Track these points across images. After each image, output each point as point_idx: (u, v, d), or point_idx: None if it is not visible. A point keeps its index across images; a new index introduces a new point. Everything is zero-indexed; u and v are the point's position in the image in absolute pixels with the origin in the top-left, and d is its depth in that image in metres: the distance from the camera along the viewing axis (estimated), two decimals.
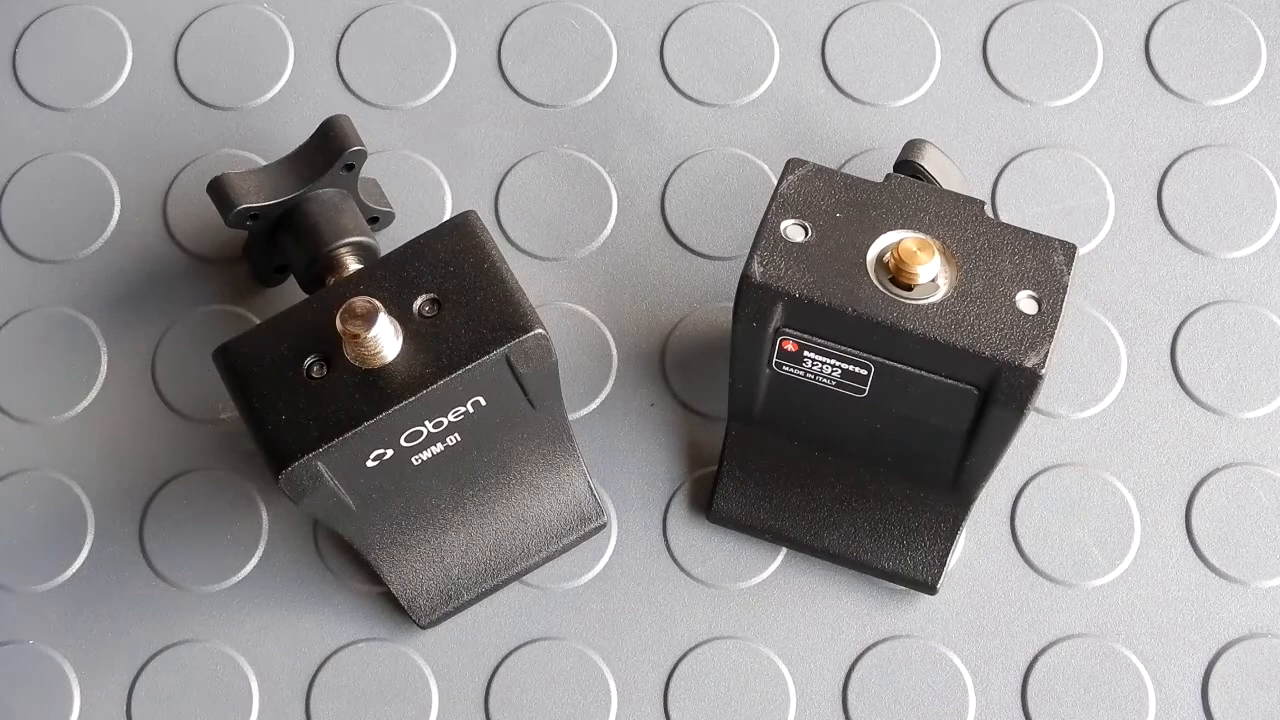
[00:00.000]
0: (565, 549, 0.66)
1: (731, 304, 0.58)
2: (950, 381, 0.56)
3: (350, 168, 0.65)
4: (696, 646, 0.65)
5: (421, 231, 0.59)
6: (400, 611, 0.65)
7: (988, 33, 0.76)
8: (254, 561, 0.66)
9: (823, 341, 0.57)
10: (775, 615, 0.65)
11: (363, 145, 0.65)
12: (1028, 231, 0.57)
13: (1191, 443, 0.67)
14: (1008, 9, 0.76)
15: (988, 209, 0.60)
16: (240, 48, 0.76)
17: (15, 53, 0.76)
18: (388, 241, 0.65)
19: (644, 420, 0.68)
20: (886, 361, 0.57)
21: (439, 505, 0.63)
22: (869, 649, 0.64)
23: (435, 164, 0.73)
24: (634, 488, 0.67)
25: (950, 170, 0.65)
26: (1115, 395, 0.68)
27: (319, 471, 0.56)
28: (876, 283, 0.56)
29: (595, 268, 0.71)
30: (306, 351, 0.57)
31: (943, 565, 0.64)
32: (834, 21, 0.76)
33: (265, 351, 0.57)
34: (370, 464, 0.58)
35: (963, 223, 0.57)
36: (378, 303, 0.54)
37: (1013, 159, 0.73)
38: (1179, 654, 0.64)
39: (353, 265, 0.64)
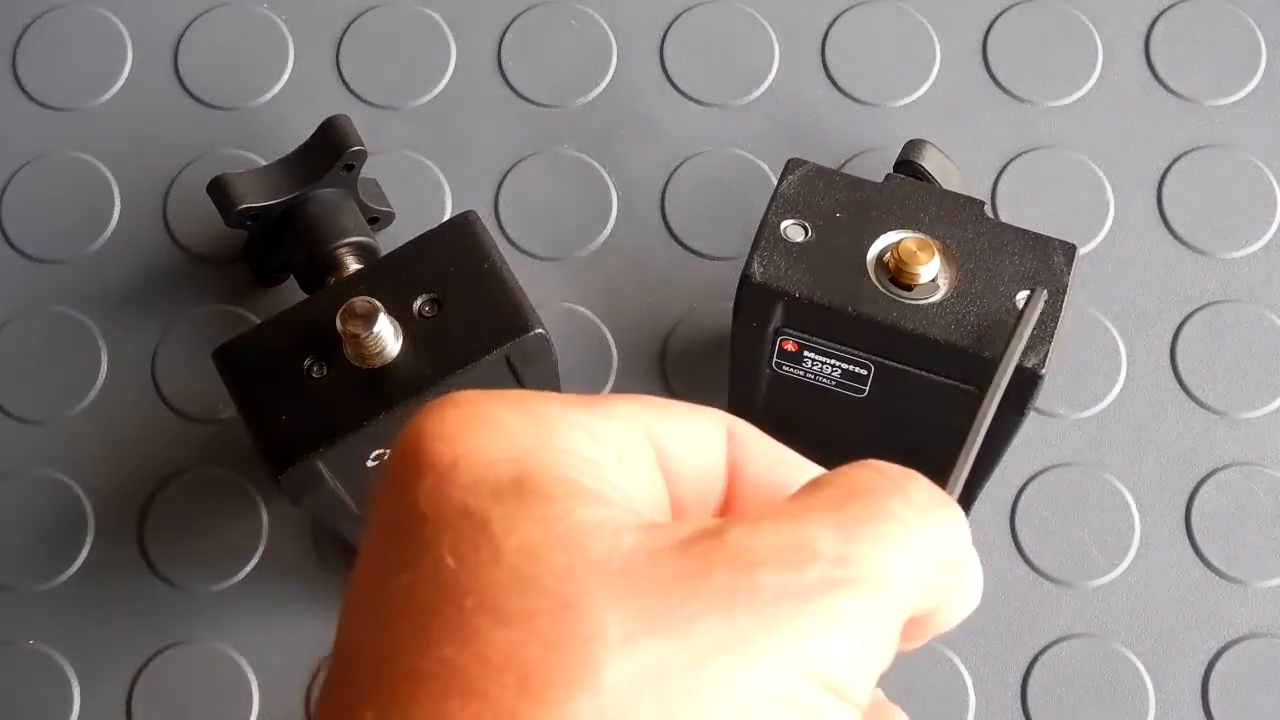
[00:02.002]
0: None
1: (731, 304, 0.58)
2: (950, 381, 0.56)
3: (350, 168, 0.65)
4: None
5: (421, 231, 0.59)
6: None
7: (988, 33, 0.76)
8: (254, 561, 0.66)
9: (823, 341, 0.57)
10: None
11: (363, 145, 0.65)
12: (1028, 231, 0.57)
13: (1191, 443, 0.67)
14: (1008, 9, 0.76)
15: (988, 209, 0.60)
16: (240, 48, 0.76)
17: (15, 53, 0.76)
18: (388, 241, 0.65)
19: None
20: (886, 361, 0.57)
21: None
22: None
23: (435, 164, 0.73)
24: None
25: (950, 170, 0.65)
26: (1115, 395, 0.68)
27: (319, 471, 0.56)
28: (876, 283, 0.56)
29: (595, 268, 0.71)
30: (306, 351, 0.57)
31: None
32: (834, 21, 0.76)
33: (265, 351, 0.57)
34: (370, 464, 0.58)
35: (963, 223, 0.57)
36: (378, 303, 0.54)
37: (1013, 159, 0.73)
38: (1179, 654, 0.64)
39: (353, 265, 0.64)
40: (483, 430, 0.30)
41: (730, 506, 0.34)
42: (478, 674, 0.26)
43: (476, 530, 0.28)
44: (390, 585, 0.29)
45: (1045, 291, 0.53)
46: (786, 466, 0.35)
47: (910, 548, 0.30)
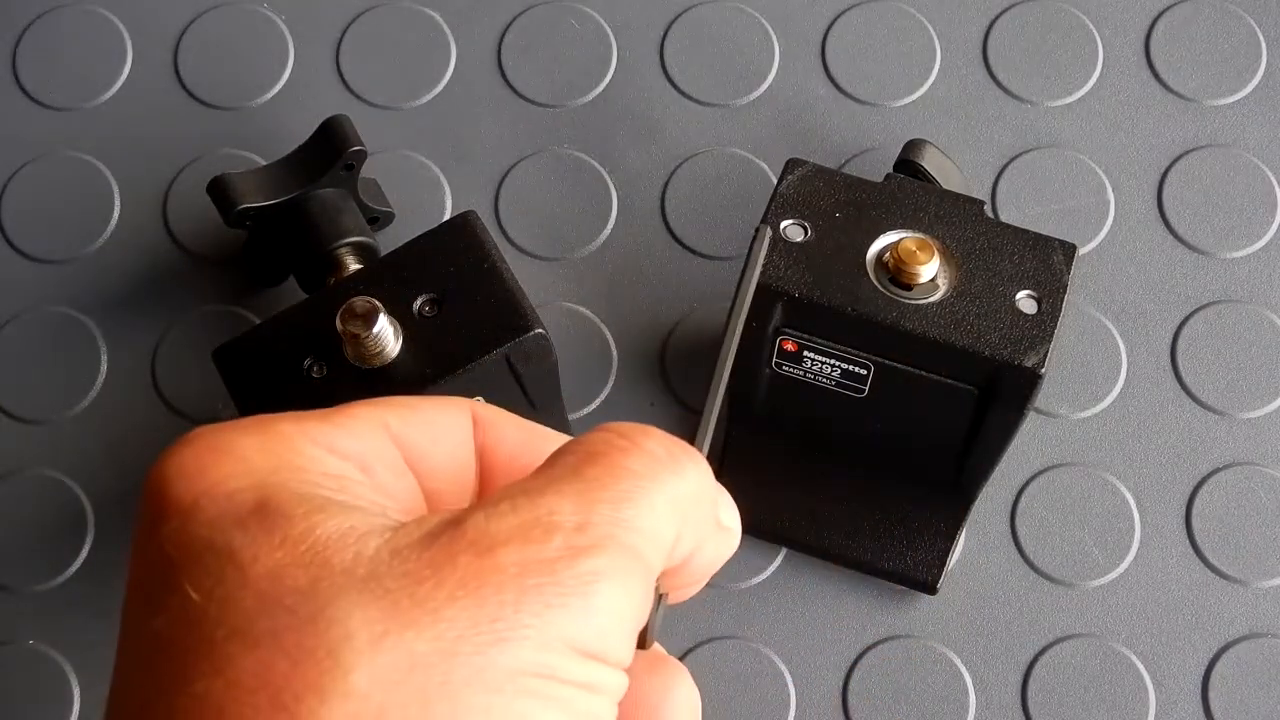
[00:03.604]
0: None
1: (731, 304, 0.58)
2: (950, 381, 0.56)
3: (350, 168, 0.65)
4: (697, 646, 0.65)
5: (421, 231, 0.59)
6: None
7: (988, 33, 0.76)
8: None
9: (823, 341, 0.57)
10: (775, 615, 0.65)
11: (363, 145, 0.65)
12: (1028, 231, 0.57)
13: (1191, 443, 0.67)
14: (1008, 9, 0.76)
15: (988, 209, 0.60)
16: (240, 48, 0.76)
17: (15, 53, 0.76)
18: (388, 241, 0.65)
19: (644, 420, 0.68)
20: (886, 361, 0.57)
21: None
22: (869, 649, 0.64)
23: (435, 164, 0.73)
24: None
25: (950, 170, 0.65)
26: (1115, 395, 0.68)
27: None
28: (876, 282, 0.56)
29: (595, 268, 0.71)
30: (306, 351, 0.57)
31: (943, 565, 0.64)
32: (834, 21, 0.76)
33: (265, 351, 0.57)
34: None
35: (963, 222, 0.57)
36: (378, 303, 0.54)
37: (1013, 159, 0.73)
38: (1179, 654, 0.64)
39: (353, 265, 0.64)
40: (221, 463, 0.30)
41: (486, 491, 0.35)
42: (230, 700, 0.27)
43: (224, 563, 0.28)
44: (146, 630, 0.29)
45: (769, 229, 0.52)
46: (536, 442, 0.35)
47: (650, 501, 0.30)
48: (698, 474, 0.32)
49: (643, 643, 0.33)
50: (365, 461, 0.32)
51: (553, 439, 0.36)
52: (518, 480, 0.31)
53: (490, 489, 0.35)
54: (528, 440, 0.36)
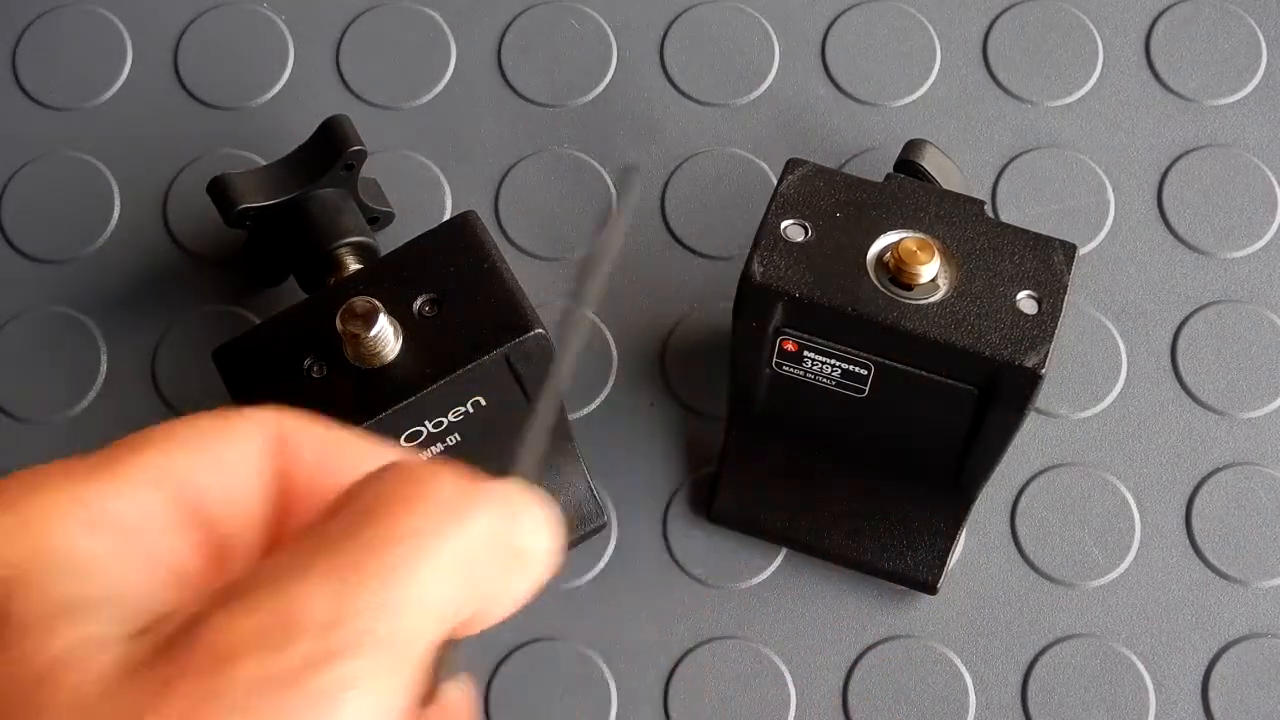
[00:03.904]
0: (565, 549, 0.66)
1: (731, 304, 0.58)
2: (950, 381, 0.56)
3: (350, 168, 0.65)
4: (696, 646, 0.65)
5: (421, 231, 0.59)
6: None
7: (988, 33, 0.76)
8: None
9: (823, 341, 0.57)
10: (775, 615, 0.65)
11: (363, 145, 0.65)
12: (1028, 231, 0.57)
13: (1191, 443, 0.67)
14: (1008, 9, 0.76)
15: (988, 209, 0.60)
16: (240, 48, 0.76)
17: (15, 53, 0.76)
18: (388, 241, 0.65)
19: (644, 420, 0.68)
20: (886, 361, 0.57)
21: None
22: (869, 649, 0.64)
23: (435, 164, 0.73)
24: (634, 488, 0.67)
25: (950, 170, 0.65)
26: (1115, 395, 0.68)
27: None
28: (876, 282, 0.56)
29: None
30: (306, 351, 0.57)
31: (943, 565, 0.64)
32: (834, 21, 0.76)
33: (265, 351, 0.57)
34: None
35: (963, 223, 0.57)
36: (378, 303, 0.54)
37: (1013, 159, 0.73)
38: (1179, 654, 0.64)
39: (353, 265, 0.64)
40: None
41: (279, 535, 0.31)
42: None
43: None
44: None
45: (638, 166, 0.49)
46: (336, 459, 0.32)
47: (429, 566, 0.27)
48: (488, 518, 0.29)
49: (430, 699, 0.30)
50: (135, 524, 0.29)
51: (357, 452, 0.32)
52: (275, 555, 0.27)
53: (285, 531, 0.31)
54: (324, 459, 0.32)
